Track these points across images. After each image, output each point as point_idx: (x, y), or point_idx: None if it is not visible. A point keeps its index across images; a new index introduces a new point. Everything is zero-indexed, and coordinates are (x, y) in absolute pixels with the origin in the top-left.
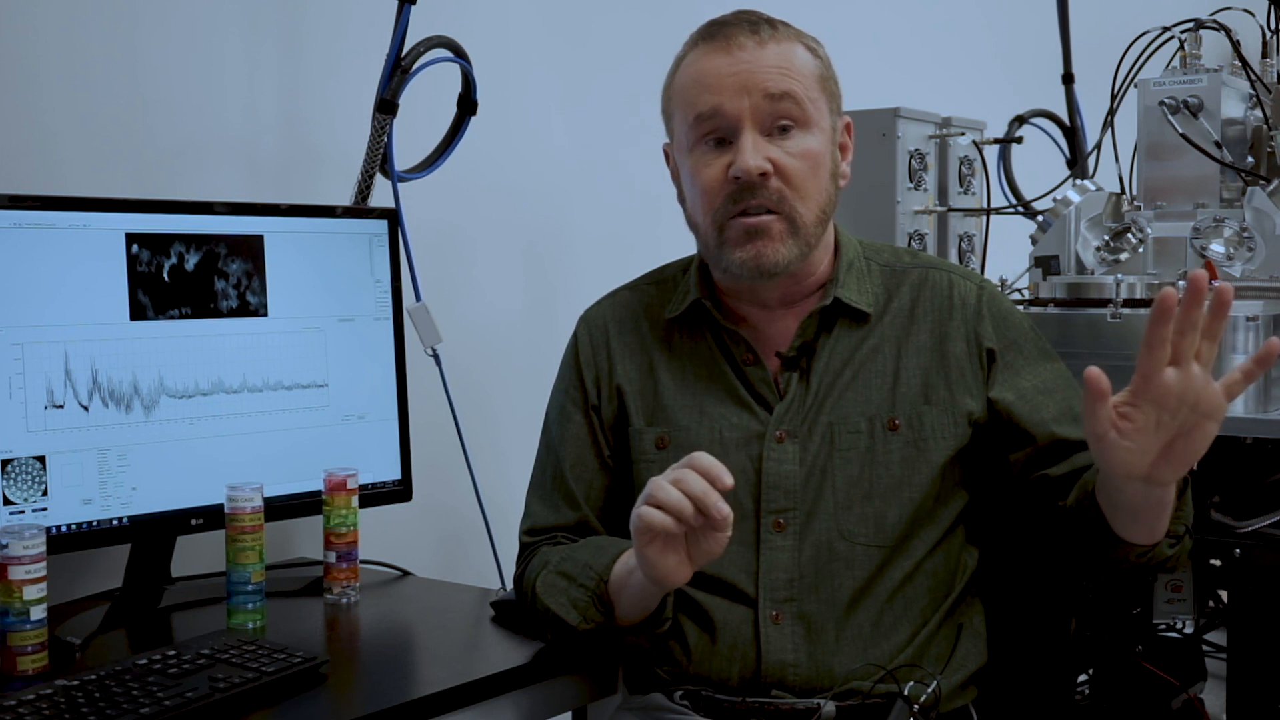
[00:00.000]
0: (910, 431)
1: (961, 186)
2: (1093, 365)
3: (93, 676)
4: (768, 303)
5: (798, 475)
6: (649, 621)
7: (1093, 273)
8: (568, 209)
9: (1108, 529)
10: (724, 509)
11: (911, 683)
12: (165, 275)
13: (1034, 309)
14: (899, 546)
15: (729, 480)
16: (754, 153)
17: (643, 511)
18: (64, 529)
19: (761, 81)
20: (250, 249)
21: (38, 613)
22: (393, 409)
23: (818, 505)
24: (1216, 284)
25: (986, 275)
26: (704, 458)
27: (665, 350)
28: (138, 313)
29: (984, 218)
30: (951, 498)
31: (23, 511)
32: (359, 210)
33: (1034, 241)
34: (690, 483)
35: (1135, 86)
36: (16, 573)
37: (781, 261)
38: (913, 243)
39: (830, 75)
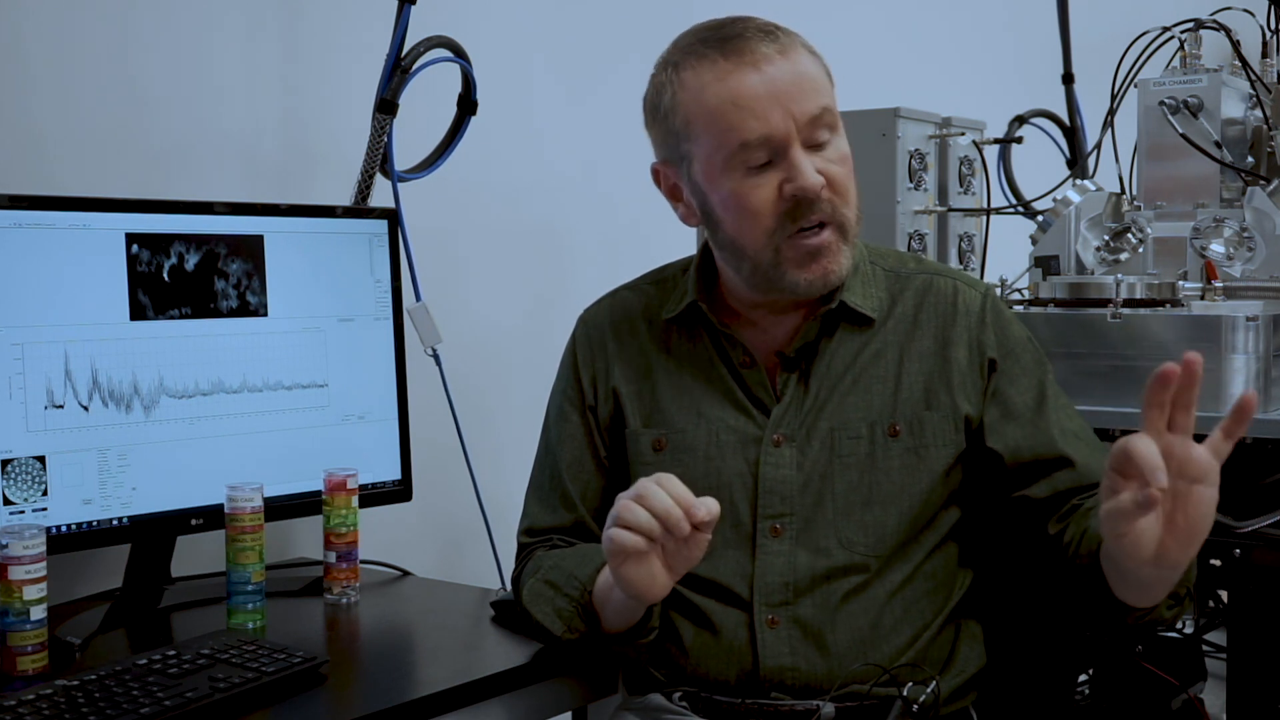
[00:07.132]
0: (911, 438)
1: (961, 186)
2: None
3: (93, 676)
4: (780, 307)
5: (795, 480)
6: (634, 631)
7: (1093, 273)
8: (567, 209)
9: (1109, 593)
10: (700, 513)
11: (910, 684)
12: (165, 275)
13: (1034, 309)
14: (898, 552)
15: (701, 513)
16: (811, 170)
17: (612, 534)
18: (64, 529)
19: (800, 102)
20: (250, 249)
21: (38, 613)
22: (393, 409)
23: (817, 512)
24: (1186, 355)
25: (987, 275)
26: (675, 485)
27: (663, 352)
28: (138, 313)
29: (984, 218)
30: (951, 504)
31: (23, 511)
32: (359, 210)
33: (1034, 241)
34: (655, 500)
35: (1135, 86)
36: (16, 573)
37: (843, 272)
38: (913, 243)
39: (830, 73)
